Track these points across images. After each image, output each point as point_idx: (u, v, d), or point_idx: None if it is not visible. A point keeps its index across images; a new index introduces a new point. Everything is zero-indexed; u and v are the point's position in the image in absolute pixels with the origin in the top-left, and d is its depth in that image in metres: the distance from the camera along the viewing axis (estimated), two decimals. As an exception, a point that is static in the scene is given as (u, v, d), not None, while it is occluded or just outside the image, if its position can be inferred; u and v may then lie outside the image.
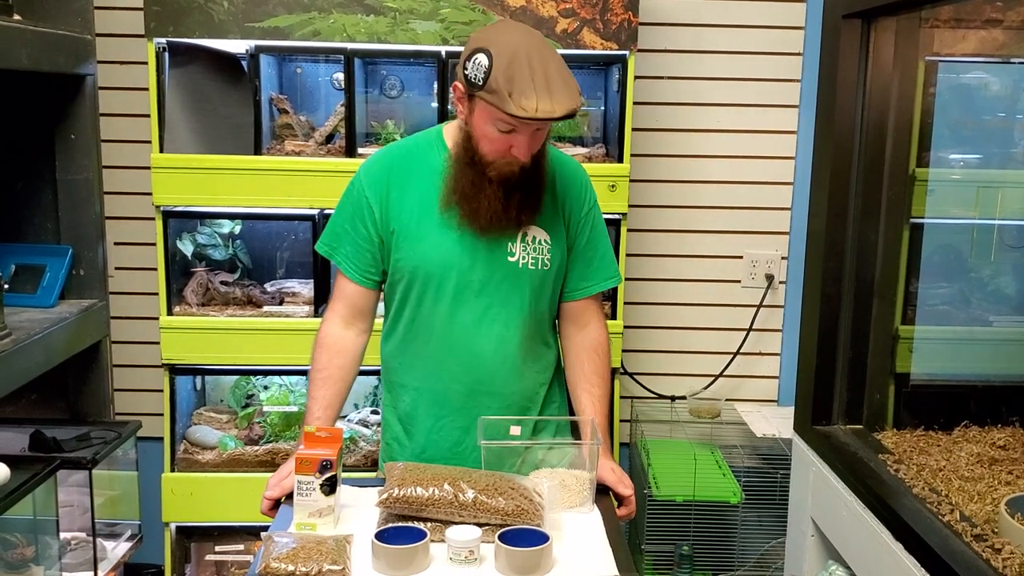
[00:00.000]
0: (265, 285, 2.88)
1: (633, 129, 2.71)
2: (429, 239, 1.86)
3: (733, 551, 2.84)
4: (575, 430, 1.99)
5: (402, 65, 2.84)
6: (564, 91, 1.68)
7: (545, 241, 1.90)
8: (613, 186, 2.63)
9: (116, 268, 3.00)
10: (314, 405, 1.91)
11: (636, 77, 2.71)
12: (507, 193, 1.79)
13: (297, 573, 1.49)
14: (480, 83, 1.67)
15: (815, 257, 1.98)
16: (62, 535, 2.04)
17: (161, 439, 2.73)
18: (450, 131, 1.89)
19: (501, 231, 1.84)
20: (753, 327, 3.11)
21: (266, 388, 2.91)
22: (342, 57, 2.61)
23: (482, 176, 1.79)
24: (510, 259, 1.87)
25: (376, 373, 2.83)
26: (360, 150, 2.64)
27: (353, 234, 1.90)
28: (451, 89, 1.83)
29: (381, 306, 2.00)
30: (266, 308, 2.74)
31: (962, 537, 1.45)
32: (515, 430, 1.86)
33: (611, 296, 2.74)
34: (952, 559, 1.39)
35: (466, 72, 1.70)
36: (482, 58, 1.67)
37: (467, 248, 1.86)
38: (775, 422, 2.90)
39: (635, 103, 2.71)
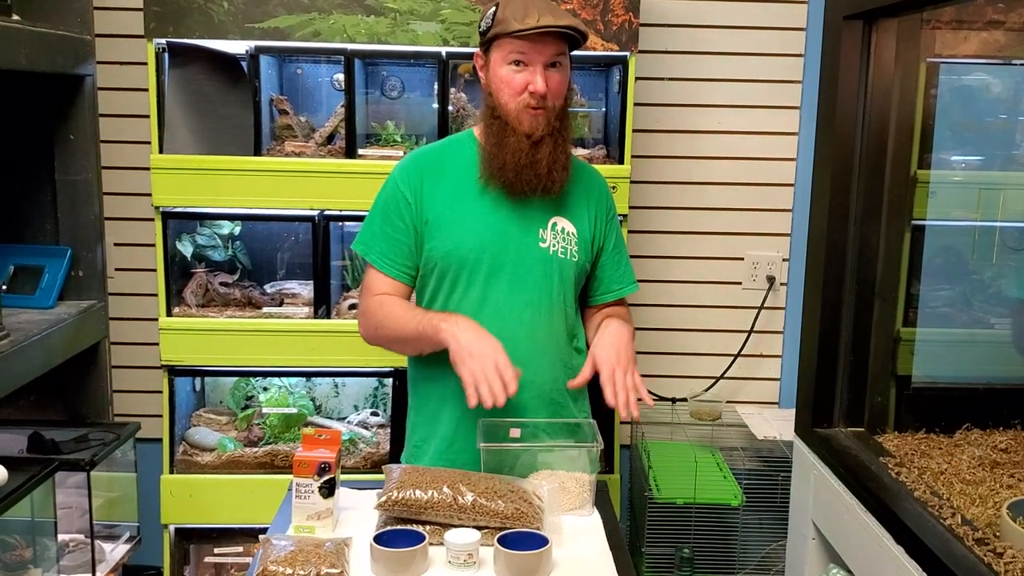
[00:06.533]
0: (265, 286, 2.87)
1: (634, 130, 2.70)
2: (462, 224, 1.89)
3: (734, 554, 2.83)
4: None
5: (403, 66, 2.83)
6: (563, 13, 1.84)
7: (572, 233, 1.95)
8: (614, 187, 2.60)
9: (116, 269, 3.00)
10: (410, 313, 1.90)
11: (637, 78, 2.70)
12: (534, 145, 1.83)
13: (295, 576, 1.48)
14: (489, 26, 1.82)
15: (816, 259, 1.97)
16: (60, 537, 2.03)
17: (160, 441, 2.72)
18: (479, 129, 1.94)
19: (531, 189, 1.86)
20: (754, 329, 3.10)
21: (265, 390, 2.90)
22: (342, 58, 2.60)
23: (505, 128, 1.84)
24: (541, 244, 1.92)
25: (377, 375, 2.85)
26: (360, 151, 2.64)
27: (389, 230, 1.92)
28: (474, 60, 1.93)
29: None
30: (266, 309, 2.73)
31: (964, 541, 1.44)
32: (515, 432, 1.85)
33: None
34: (954, 563, 1.38)
35: (480, 29, 1.88)
36: (490, 8, 1.86)
37: (499, 232, 1.90)
38: (776, 424, 2.89)
39: (636, 104, 2.71)
